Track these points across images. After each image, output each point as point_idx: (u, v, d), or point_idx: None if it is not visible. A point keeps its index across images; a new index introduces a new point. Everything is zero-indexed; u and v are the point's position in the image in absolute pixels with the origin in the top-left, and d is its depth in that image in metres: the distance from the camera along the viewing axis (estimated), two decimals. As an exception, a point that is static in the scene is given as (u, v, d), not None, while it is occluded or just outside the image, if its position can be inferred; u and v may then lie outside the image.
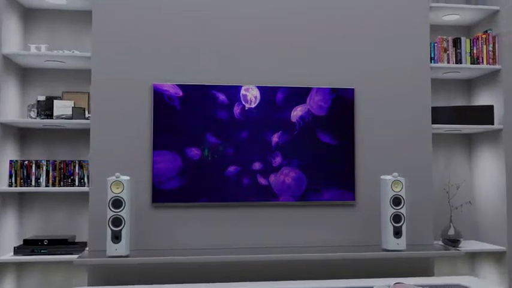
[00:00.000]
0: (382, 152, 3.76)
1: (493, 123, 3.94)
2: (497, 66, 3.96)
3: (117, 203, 3.16)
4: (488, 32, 4.05)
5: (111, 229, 3.14)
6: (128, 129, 3.53)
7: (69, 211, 3.84)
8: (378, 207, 3.72)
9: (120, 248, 3.14)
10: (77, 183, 3.65)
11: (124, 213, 3.16)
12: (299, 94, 3.65)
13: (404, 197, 3.40)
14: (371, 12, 3.83)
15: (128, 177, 3.23)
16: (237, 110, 3.59)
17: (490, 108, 3.95)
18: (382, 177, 3.49)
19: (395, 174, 3.43)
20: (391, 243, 3.37)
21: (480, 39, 4.01)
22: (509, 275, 3.83)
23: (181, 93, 3.55)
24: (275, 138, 3.59)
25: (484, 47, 4.00)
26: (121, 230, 3.14)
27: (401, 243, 3.37)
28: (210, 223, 3.54)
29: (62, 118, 3.63)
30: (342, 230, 3.66)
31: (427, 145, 3.79)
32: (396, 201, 3.38)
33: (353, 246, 3.60)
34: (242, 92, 3.62)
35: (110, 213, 3.15)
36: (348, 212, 3.69)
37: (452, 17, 4.15)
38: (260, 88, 3.62)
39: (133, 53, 3.58)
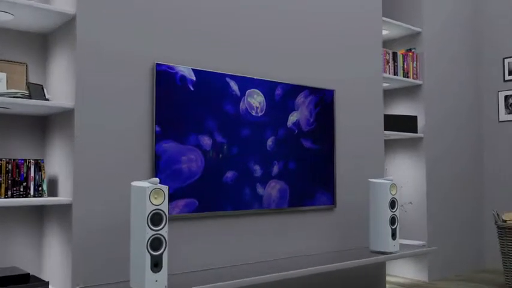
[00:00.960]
0: (346, 156, 3.81)
1: (416, 132, 4.43)
2: (419, 81, 4.47)
3: (157, 219, 2.34)
4: (412, 50, 4.55)
5: (151, 254, 2.31)
6: (122, 117, 2.64)
7: (20, 233, 2.63)
8: (357, 210, 3.75)
9: (161, 279, 2.33)
10: (32, 192, 2.53)
11: (165, 231, 2.36)
12: (290, 95, 3.39)
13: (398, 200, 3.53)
14: (332, 21, 3.85)
15: (166, 186, 2.43)
16: (242, 109, 3.10)
17: (414, 118, 4.43)
18: (374, 180, 3.54)
19: (391, 177, 3.53)
20: (389, 245, 3.45)
21: (407, 56, 4.46)
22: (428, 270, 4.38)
23: (194, 78, 2.86)
24: (269, 143, 3.24)
25: (411, 63, 4.47)
26: (162, 253, 2.34)
27: (396, 245, 3.48)
28: (213, 234, 2.95)
29: (12, 97, 2.46)
30: (323, 234, 3.56)
31: (380, 150, 4.00)
32: (393, 204, 3.48)
33: (345, 251, 3.55)
34: (247, 100, 3.15)
35: (149, 232, 2.31)
36: (329, 216, 3.60)
37: (383, 31, 4.49)
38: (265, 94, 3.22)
39: (135, 20, 2.71)
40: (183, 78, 2.84)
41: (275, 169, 3.23)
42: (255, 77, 3.17)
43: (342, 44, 3.80)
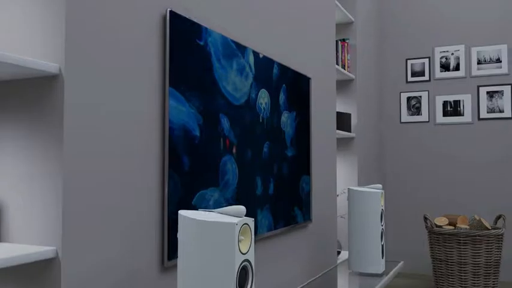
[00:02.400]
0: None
1: (350, 131, 4.04)
2: (351, 75, 4.09)
3: (243, 275, 1.36)
4: (346, 40, 4.12)
5: None
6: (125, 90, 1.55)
7: None
8: (327, 224, 3.13)
9: None
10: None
11: (252, 295, 1.39)
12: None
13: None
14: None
15: (251, 219, 1.45)
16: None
17: (348, 116, 4.02)
18: (359, 189, 2.98)
19: (379, 185, 3.01)
20: (380, 265, 2.93)
21: (344, 46, 4.02)
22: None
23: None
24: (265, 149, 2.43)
25: (346, 55, 4.05)
26: (249, 336, 1.36)
27: (383, 264, 2.99)
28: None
29: None
30: (299, 253, 2.87)
31: (333, 149, 3.48)
32: (381, 216, 2.98)
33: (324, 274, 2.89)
34: (259, 101, 2.26)
35: (239, 302, 1.31)
36: (305, 233, 2.93)
37: (320, 15, 3.96)
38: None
39: None
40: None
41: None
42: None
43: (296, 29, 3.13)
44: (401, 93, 4.93)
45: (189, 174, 1.74)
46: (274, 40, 2.54)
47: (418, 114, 4.85)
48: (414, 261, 4.81)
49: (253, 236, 1.39)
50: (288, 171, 2.61)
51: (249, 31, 2.28)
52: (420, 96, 4.85)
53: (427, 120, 4.82)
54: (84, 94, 1.37)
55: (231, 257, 1.29)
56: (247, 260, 1.35)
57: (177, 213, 1.65)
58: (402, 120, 4.92)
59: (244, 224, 1.34)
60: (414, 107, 4.87)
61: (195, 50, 1.81)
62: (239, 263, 1.31)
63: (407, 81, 4.92)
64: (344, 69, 3.96)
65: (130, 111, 1.54)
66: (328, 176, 3.29)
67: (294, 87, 2.70)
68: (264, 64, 2.35)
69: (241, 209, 1.36)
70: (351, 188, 2.99)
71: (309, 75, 3.00)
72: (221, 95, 1.97)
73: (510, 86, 4.55)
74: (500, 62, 4.58)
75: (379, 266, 2.93)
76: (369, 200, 2.94)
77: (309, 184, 2.91)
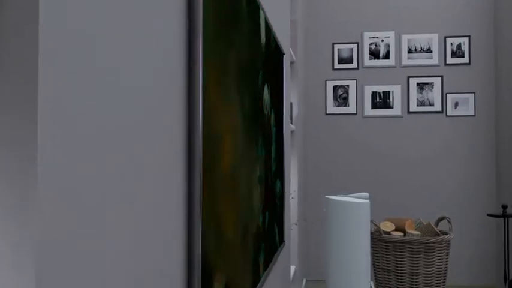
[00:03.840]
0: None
1: (291, 123, 3.39)
2: (293, 57, 3.44)
3: None
4: (287, 14, 3.44)
5: None
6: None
7: None
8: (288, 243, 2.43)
9: None
10: None
11: None
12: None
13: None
14: None
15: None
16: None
17: (290, 106, 3.37)
18: (341, 199, 2.33)
19: (366, 194, 2.40)
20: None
21: (287, 20, 3.34)
22: None
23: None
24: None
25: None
26: None
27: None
28: None
29: None
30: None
31: (288, 146, 2.80)
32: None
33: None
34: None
35: None
36: (280, 261, 2.22)
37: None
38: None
39: None
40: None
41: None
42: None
43: None
44: (327, 81, 4.42)
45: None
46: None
47: (345, 105, 4.39)
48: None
49: None
50: (270, 177, 1.86)
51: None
52: (347, 86, 4.39)
53: (355, 112, 4.38)
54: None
55: None
56: None
57: None
58: (328, 112, 4.42)
59: None
60: (341, 97, 4.39)
61: None
62: None
63: (333, 68, 4.42)
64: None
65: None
66: (286, 178, 2.60)
67: (273, 65, 1.95)
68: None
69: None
70: (330, 197, 2.34)
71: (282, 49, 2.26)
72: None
73: (440, 78, 4.30)
74: (431, 52, 4.31)
75: (367, 295, 2.33)
76: (355, 212, 2.32)
77: (282, 192, 2.20)
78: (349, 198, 2.35)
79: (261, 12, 1.51)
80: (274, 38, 1.83)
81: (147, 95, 0.70)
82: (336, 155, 4.37)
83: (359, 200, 2.33)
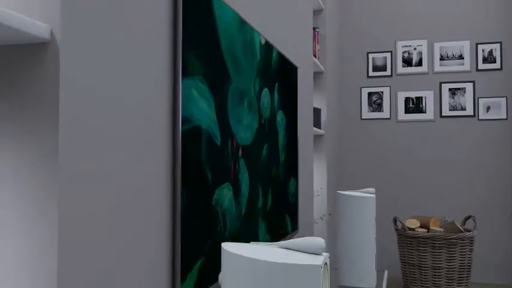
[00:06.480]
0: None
1: (320, 127, 3.73)
2: (322, 67, 3.78)
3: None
4: (316, 29, 3.80)
5: None
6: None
7: None
8: (311, 232, 2.78)
9: None
10: None
11: None
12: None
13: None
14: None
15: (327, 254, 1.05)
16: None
17: (318, 112, 3.71)
18: (352, 193, 2.65)
19: (372, 189, 2.71)
20: (373, 279, 2.63)
21: (315, 35, 3.70)
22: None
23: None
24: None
25: (316, 45, 3.73)
26: None
27: (375, 276, 2.69)
28: None
29: None
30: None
31: (310, 147, 3.15)
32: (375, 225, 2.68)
33: None
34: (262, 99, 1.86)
35: None
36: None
37: (291, 0, 3.60)
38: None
39: None
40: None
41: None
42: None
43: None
44: (362, 89, 4.71)
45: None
46: (269, 22, 2.14)
47: (379, 111, 4.66)
48: (378, 263, 4.61)
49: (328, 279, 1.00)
50: (280, 174, 2.23)
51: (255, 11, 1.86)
52: (382, 92, 4.66)
53: (389, 117, 4.64)
54: (85, 65, 0.91)
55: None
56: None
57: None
58: (363, 117, 4.70)
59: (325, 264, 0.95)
60: (375, 103, 4.66)
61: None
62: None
63: (368, 76, 4.70)
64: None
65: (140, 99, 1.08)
66: (308, 177, 2.95)
67: (284, 77, 2.32)
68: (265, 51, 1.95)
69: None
70: (340, 192, 2.67)
71: (296, 63, 2.63)
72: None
73: (472, 83, 4.46)
74: (463, 58, 4.49)
75: (372, 280, 2.63)
76: (363, 207, 2.63)
77: (296, 188, 2.55)
78: (356, 192, 2.67)
79: (256, 34, 1.90)
80: (278, 53, 2.20)
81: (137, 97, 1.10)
82: (370, 157, 4.64)
83: (365, 194, 2.64)
